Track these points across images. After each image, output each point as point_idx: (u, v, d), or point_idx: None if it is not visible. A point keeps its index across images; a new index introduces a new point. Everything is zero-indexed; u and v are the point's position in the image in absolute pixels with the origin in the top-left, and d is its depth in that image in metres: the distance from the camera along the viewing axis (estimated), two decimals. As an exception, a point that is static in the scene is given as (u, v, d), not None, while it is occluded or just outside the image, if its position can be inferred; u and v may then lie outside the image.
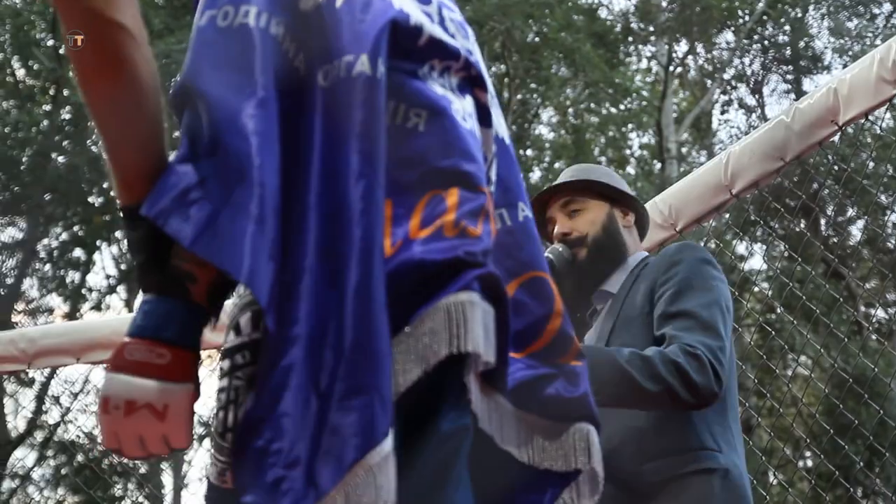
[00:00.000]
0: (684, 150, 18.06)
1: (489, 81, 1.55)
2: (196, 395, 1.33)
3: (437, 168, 1.35)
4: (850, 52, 16.95)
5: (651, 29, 17.53)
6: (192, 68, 1.33)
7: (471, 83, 1.48)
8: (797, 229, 13.84)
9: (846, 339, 12.54)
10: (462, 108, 1.42)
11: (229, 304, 1.39)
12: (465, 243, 1.28)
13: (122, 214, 1.41)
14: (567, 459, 1.47)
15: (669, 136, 16.49)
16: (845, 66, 15.56)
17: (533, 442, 1.47)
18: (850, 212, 14.96)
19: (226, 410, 1.31)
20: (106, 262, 16.38)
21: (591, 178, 2.40)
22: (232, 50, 1.34)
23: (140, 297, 1.37)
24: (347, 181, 1.29)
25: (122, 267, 16.04)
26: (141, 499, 15.79)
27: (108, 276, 16.29)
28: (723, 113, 19.25)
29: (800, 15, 17.57)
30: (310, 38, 1.39)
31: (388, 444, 1.18)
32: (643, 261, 2.39)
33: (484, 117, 1.49)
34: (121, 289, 16.30)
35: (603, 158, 17.15)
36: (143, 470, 14.63)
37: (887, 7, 17.32)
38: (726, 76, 18.50)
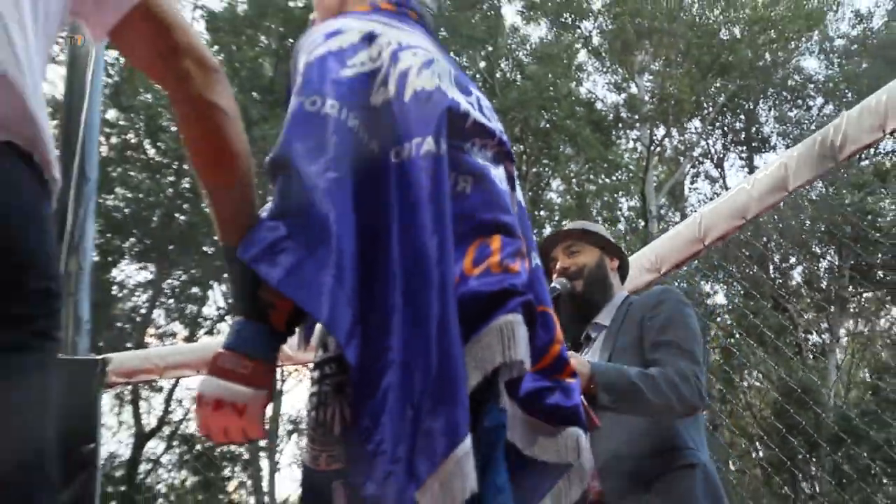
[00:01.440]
0: (662, 211, 18.61)
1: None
2: (269, 398, 1.48)
3: (482, 220, 1.49)
4: (791, 136, 18.24)
5: (636, 117, 18.32)
6: (285, 143, 1.44)
7: (503, 156, 1.62)
8: (751, 272, 15.23)
9: (791, 358, 13.62)
10: (497, 174, 1.56)
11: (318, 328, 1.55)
12: (508, 278, 1.43)
13: (224, 252, 1.54)
14: (560, 454, 1.56)
15: (651, 200, 17.29)
16: (787, 146, 16.82)
17: (536, 440, 1.58)
18: (793, 259, 16.10)
19: (317, 410, 1.47)
20: (217, 297, 17.29)
21: (588, 228, 2.54)
22: (317, 132, 1.44)
23: (233, 318, 1.51)
24: (423, 236, 1.40)
25: (230, 301, 16.26)
26: (245, 479, 16.64)
27: (218, 308, 17.29)
28: (692, 183, 20.02)
29: (752, 107, 18.73)
30: (381, 126, 1.49)
31: (468, 441, 1.32)
32: (626, 300, 2.53)
33: (511, 183, 1.61)
34: (228, 318, 16.68)
35: (599, 218, 17.49)
36: (246, 456, 16.08)
37: (820, 101, 18.55)
38: (695, 154, 19.44)
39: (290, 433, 17.46)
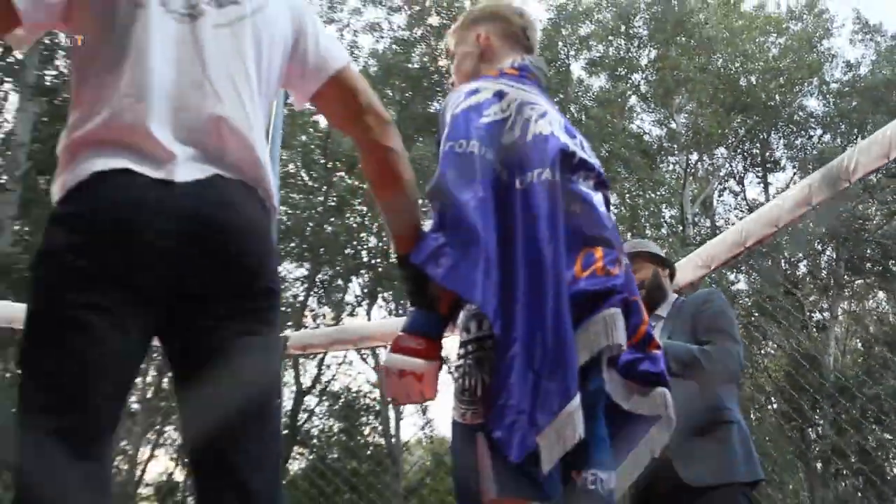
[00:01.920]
0: (696, 219, 19.09)
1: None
2: (440, 367, 1.68)
3: (588, 235, 1.69)
4: (797, 159, 19.35)
5: (675, 146, 19.20)
6: (441, 175, 1.65)
7: (600, 185, 1.81)
8: (766, 265, 15.98)
9: (798, 332, 15.58)
10: (597, 199, 1.77)
11: (461, 316, 1.74)
12: (609, 280, 1.64)
13: (398, 258, 1.77)
14: (651, 408, 1.78)
15: (687, 210, 18.05)
16: (794, 167, 18.75)
17: (632, 398, 1.78)
18: (800, 254, 17.28)
19: (463, 378, 1.69)
20: (355, 287, 18.39)
21: (641, 250, 2.77)
22: (464, 166, 1.65)
23: (408, 308, 1.75)
24: (542, 245, 1.60)
25: (365, 290, 18.24)
26: (377, 425, 17.86)
27: (356, 296, 18.41)
28: (719, 196, 20.55)
29: (766, 137, 19.66)
30: (510, 159, 1.70)
31: (577, 399, 1.53)
32: (678, 299, 2.82)
33: (607, 205, 1.80)
34: (364, 303, 18.41)
35: (647, 224, 17.88)
36: (377, 408, 17.54)
37: (819, 131, 19.52)
38: (721, 174, 20.16)
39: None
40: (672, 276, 2.96)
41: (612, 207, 1.83)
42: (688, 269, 3.41)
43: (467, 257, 1.55)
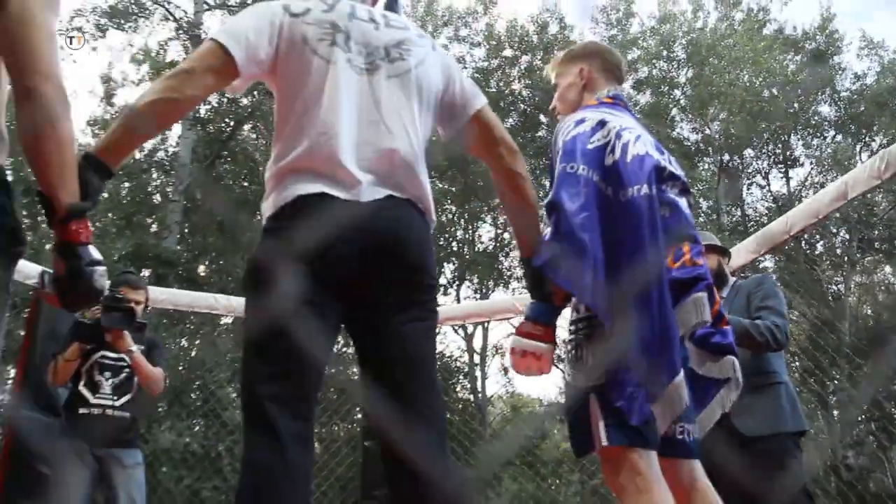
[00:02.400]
0: (728, 209, 20.07)
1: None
2: (554, 348, 1.79)
3: (676, 233, 1.79)
4: (813, 156, 20.37)
5: (710, 149, 20.23)
6: (556, 192, 1.75)
7: (685, 191, 1.89)
8: (789, 245, 15.83)
9: (818, 301, 16.45)
10: (682, 203, 1.87)
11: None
12: (696, 269, 1.76)
13: (523, 261, 1.92)
14: (722, 372, 1.90)
15: (721, 203, 19.18)
16: (811, 164, 19.83)
17: (705, 364, 1.90)
18: (817, 235, 17.96)
19: (575, 350, 1.82)
20: (446, 272, 19.50)
21: (708, 242, 2.85)
22: (575, 185, 1.78)
23: (530, 301, 1.89)
24: (644, 245, 1.70)
25: (455, 275, 19.69)
26: (466, 383, 18.85)
27: (447, 280, 19.50)
28: (748, 189, 21.07)
29: (787, 139, 20.53)
30: (611, 177, 1.80)
31: (682, 373, 1.66)
32: (736, 282, 3.05)
33: (690, 207, 1.87)
34: (454, 286, 19.75)
35: None
36: (466, 370, 18.75)
37: (832, 132, 20.30)
38: (749, 170, 21.07)
39: (493, 354, 20.01)
40: (729, 259, 3.21)
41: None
42: (741, 254, 3.60)
43: (579, 264, 1.69)
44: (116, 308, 3.55)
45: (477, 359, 20.10)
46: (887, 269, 19.39)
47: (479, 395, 19.43)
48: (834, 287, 18.28)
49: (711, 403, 1.94)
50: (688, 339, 1.89)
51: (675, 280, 1.76)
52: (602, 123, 1.90)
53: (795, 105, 20.00)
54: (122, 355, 3.70)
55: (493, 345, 20.21)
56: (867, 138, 19.97)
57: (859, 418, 14.45)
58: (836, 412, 15.15)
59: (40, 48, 1.48)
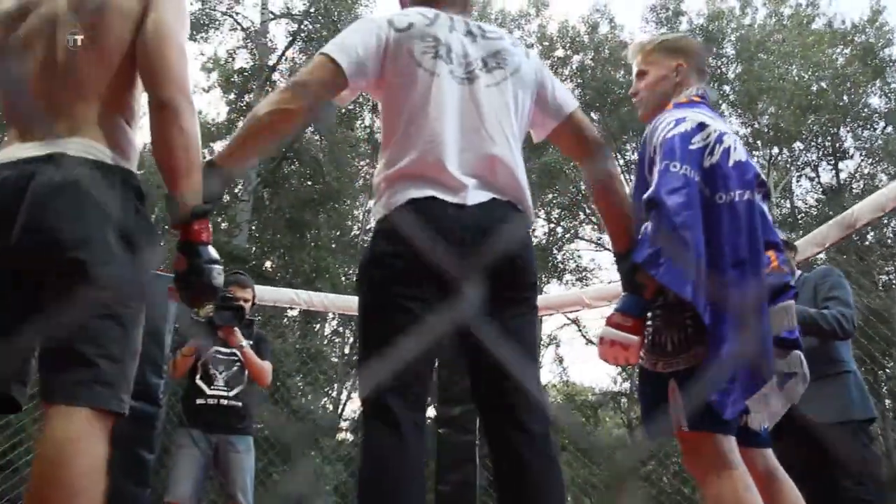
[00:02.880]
0: (778, 202, 19.93)
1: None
2: (643, 340, 1.82)
3: (765, 240, 1.79)
4: (864, 148, 20.29)
5: (759, 142, 20.15)
6: (657, 189, 1.75)
7: (766, 196, 1.91)
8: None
9: (869, 291, 15.16)
10: (765, 208, 1.88)
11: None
12: (784, 276, 1.77)
13: (616, 256, 1.95)
14: (790, 367, 1.87)
15: (771, 193, 16.71)
16: (861, 155, 19.65)
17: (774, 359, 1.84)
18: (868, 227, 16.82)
19: (654, 336, 1.83)
20: None
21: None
22: (676, 183, 1.75)
23: (621, 293, 1.87)
24: (743, 247, 1.72)
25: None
26: None
27: None
28: (797, 181, 21.17)
29: (836, 131, 20.52)
30: (710, 179, 1.79)
31: (774, 378, 1.71)
32: (801, 275, 3.03)
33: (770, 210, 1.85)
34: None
35: None
36: None
37: (882, 124, 20.13)
38: (798, 162, 21.13)
39: (547, 345, 20.38)
40: (796, 254, 3.14)
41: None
42: (807, 247, 3.51)
43: (681, 261, 1.67)
44: (227, 307, 3.71)
45: (532, 349, 20.03)
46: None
47: (535, 383, 19.44)
48: (885, 277, 18.19)
49: (781, 395, 1.91)
50: None
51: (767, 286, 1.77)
52: (702, 126, 1.88)
53: (845, 98, 19.95)
54: (234, 350, 3.85)
55: (548, 335, 20.49)
56: (917, 129, 19.45)
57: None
58: (887, 401, 14.99)
59: (173, 63, 1.59)
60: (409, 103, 1.73)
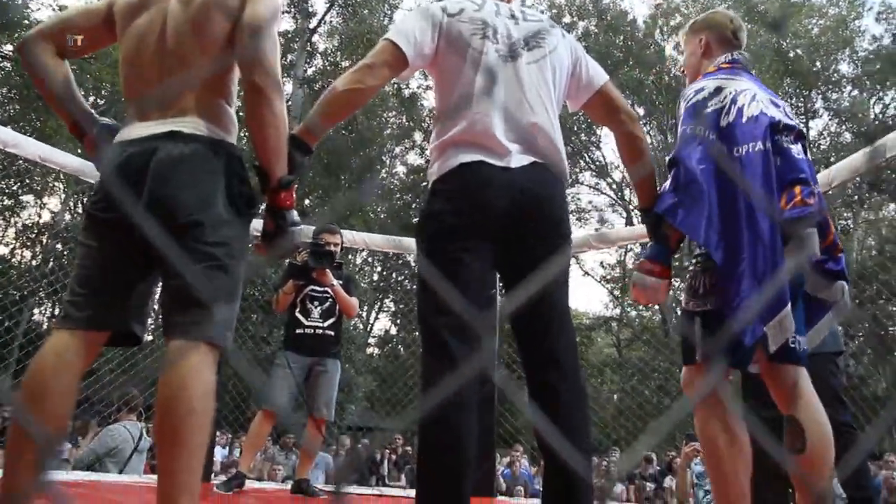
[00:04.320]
0: None
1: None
2: (669, 283, 1.79)
3: (788, 178, 1.75)
4: (832, 108, 20.22)
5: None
6: (678, 150, 1.77)
7: (799, 137, 1.83)
8: None
9: None
10: (796, 149, 1.81)
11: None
12: (806, 208, 1.69)
13: (641, 210, 1.91)
14: (832, 296, 1.84)
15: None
16: (829, 115, 19.36)
17: (818, 288, 1.84)
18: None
19: (692, 279, 1.86)
20: None
21: None
22: (693, 144, 1.78)
23: (649, 243, 1.85)
24: (757, 192, 1.67)
25: None
26: None
27: None
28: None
29: (808, 93, 20.19)
30: (727, 137, 1.76)
31: (790, 305, 1.66)
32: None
33: (805, 152, 1.82)
34: None
35: None
36: None
37: (849, 88, 20.07)
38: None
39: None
40: None
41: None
42: (839, 174, 3.28)
43: (695, 209, 1.69)
44: (319, 252, 3.85)
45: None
46: (892, 206, 19.35)
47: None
48: (843, 223, 18.43)
49: (820, 323, 1.90)
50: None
51: (787, 220, 1.73)
52: (718, 90, 1.86)
53: (818, 64, 20.11)
54: (326, 288, 4.07)
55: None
56: (881, 94, 19.53)
57: (859, 334, 13.89)
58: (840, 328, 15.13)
59: (266, 52, 1.59)
60: (461, 79, 1.75)
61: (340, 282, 4.07)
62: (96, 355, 1.66)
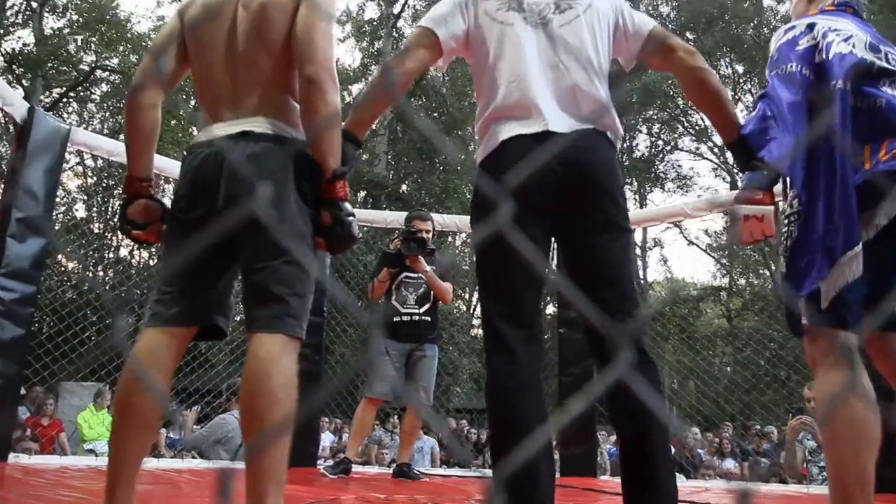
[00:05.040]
0: None
1: None
2: (777, 210, 1.72)
3: (891, 126, 1.64)
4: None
5: None
6: (770, 87, 1.74)
7: None
8: None
9: None
10: (891, 93, 1.69)
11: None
12: (890, 163, 1.58)
13: (726, 145, 1.83)
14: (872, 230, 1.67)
15: None
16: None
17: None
18: None
19: (786, 242, 1.72)
20: None
21: None
22: (784, 80, 1.72)
23: (745, 173, 1.76)
24: (835, 133, 1.63)
25: None
26: None
27: None
28: None
29: None
30: (822, 72, 1.71)
31: (860, 245, 1.56)
32: None
33: None
34: None
35: None
36: None
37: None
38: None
39: (651, 247, 20.64)
40: None
41: None
42: None
43: (784, 142, 1.63)
44: (411, 238, 3.89)
45: (638, 251, 20.35)
46: None
47: (642, 281, 19.99)
48: None
49: None
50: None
51: (885, 171, 1.63)
52: (811, 27, 1.81)
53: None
54: (420, 275, 4.11)
55: (653, 238, 20.88)
56: None
57: None
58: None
59: (320, 46, 1.65)
60: (491, 54, 1.78)
61: (434, 267, 4.11)
62: (185, 351, 1.74)
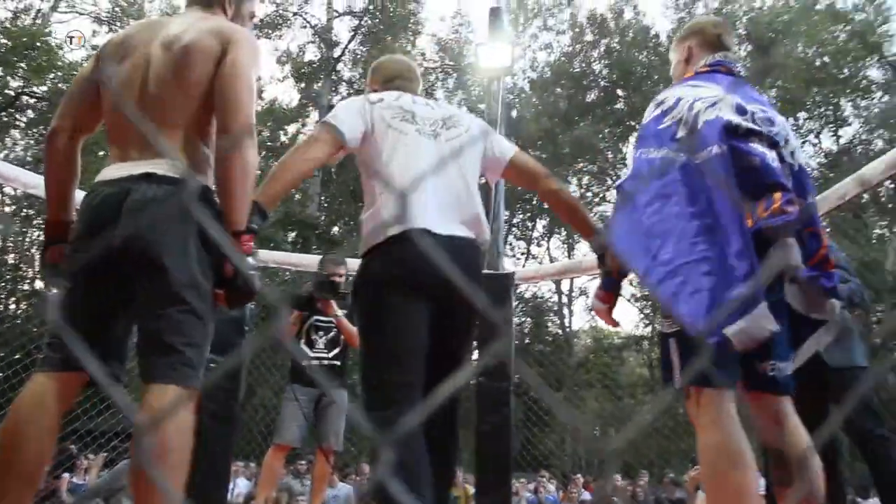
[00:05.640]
0: None
1: (789, 141, 1.78)
2: (614, 306, 2.04)
3: (766, 183, 1.66)
4: (863, 116, 19.83)
5: None
6: (627, 178, 1.84)
7: (772, 145, 1.75)
8: None
9: (862, 244, 15.03)
10: (771, 156, 1.71)
11: None
12: (785, 217, 1.62)
13: (589, 244, 2.08)
14: (824, 314, 1.76)
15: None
16: (860, 122, 18.84)
17: (806, 305, 1.76)
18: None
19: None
20: (538, 227, 21.63)
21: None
22: (643, 167, 1.77)
23: (600, 274, 2.08)
24: (718, 198, 1.64)
25: (545, 228, 21.53)
26: (556, 319, 20.04)
27: (540, 234, 22.32)
28: (801, 146, 20.14)
29: (837, 101, 19.98)
30: (690, 142, 1.71)
31: (765, 304, 1.57)
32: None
33: (781, 160, 1.73)
34: (545, 239, 21.69)
35: None
36: (555, 308, 20.40)
37: (879, 94, 19.41)
38: (802, 131, 20.38)
39: (577, 296, 21.28)
40: None
41: (794, 155, 1.80)
42: (823, 204, 3.12)
43: (633, 243, 1.71)
44: (324, 282, 3.88)
45: (565, 299, 20.83)
46: (929, 213, 18.83)
47: (567, 329, 20.50)
48: (877, 231, 18.25)
49: (808, 342, 1.83)
50: (787, 280, 1.77)
51: (764, 227, 1.66)
52: (677, 101, 1.82)
53: (846, 71, 19.77)
54: (331, 318, 4.07)
55: (579, 287, 21.14)
56: (913, 99, 19.13)
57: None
58: (878, 341, 14.09)
59: (242, 102, 1.65)
60: (384, 155, 1.93)
61: (346, 311, 4.06)
62: (76, 397, 1.69)
